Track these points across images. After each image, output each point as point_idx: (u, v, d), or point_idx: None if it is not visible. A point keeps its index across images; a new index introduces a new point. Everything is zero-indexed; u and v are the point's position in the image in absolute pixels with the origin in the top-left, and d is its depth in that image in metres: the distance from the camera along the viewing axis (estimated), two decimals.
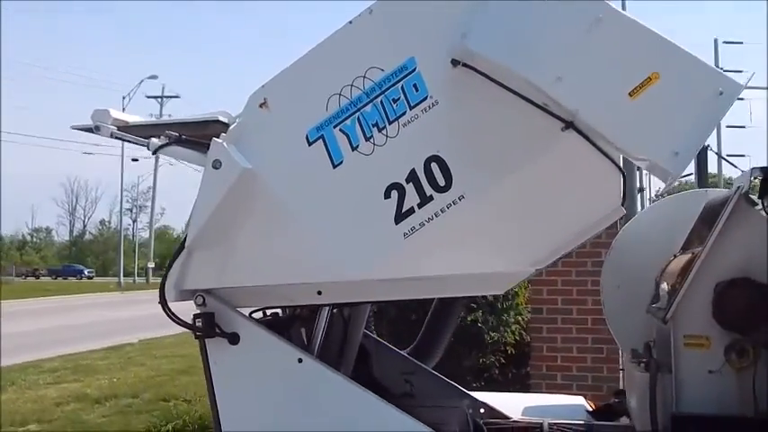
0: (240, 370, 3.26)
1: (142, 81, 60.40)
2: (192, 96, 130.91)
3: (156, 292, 3.24)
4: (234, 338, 3.22)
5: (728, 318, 3.36)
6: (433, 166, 2.96)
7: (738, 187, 3.50)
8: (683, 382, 3.42)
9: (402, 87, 2.99)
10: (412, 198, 2.97)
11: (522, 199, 3.00)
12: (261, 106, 3.14)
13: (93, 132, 3.63)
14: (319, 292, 3.24)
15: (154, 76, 61.52)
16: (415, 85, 2.98)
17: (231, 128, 3.22)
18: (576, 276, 6.49)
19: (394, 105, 3.00)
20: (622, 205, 3.16)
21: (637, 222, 4.51)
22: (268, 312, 3.65)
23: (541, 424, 3.82)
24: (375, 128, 3.01)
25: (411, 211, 2.96)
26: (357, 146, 3.02)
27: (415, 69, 2.98)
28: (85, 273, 73.71)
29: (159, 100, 62.15)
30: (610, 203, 3.10)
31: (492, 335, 7.76)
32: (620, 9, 2.85)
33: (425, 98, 2.97)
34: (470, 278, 3.13)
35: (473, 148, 2.98)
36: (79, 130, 3.82)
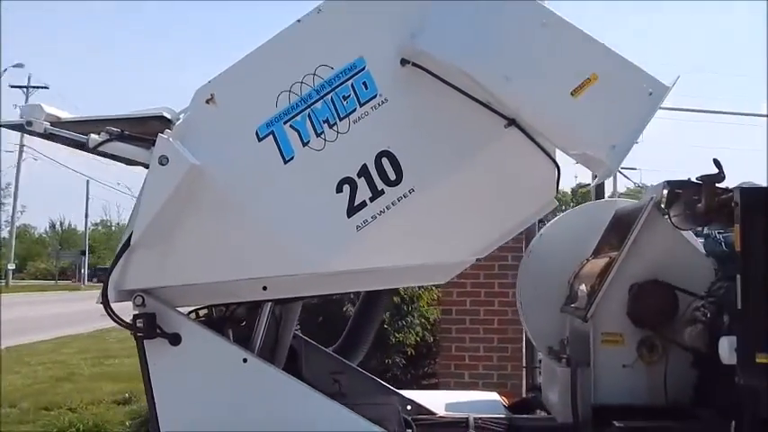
0: (182, 371, 3.23)
1: (6, 69, 56.01)
2: (64, 88, 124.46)
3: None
4: (175, 339, 3.19)
5: (641, 316, 3.70)
6: (384, 161, 3.07)
7: (651, 198, 3.82)
8: (600, 375, 3.72)
9: (352, 85, 3.08)
10: (364, 192, 3.06)
11: (468, 192, 3.17)
12: (208, 102, 3.13)
13: (22, 130, 3.49)
14: (265, 288, 3.26)
15: (19, 65, 57.03)
16: (364, 83, 3.08)
17: (177, 124, 3.19)
18: (485, 279, 6.76)
19: (344, 102, 3.08)
20: (555, 198, 3.40)
21: (552, 229, 4.77)
22: (200, 313, 3.64)
23: (467, 419, 3.97)
24: (326, 124, 3.08)
25: (363, 204, 3.06)
26: (308, 142, 3.09)
27: (364, 68, 3.08)
28: None
29: (25, 90, 57.86)
30: (546, 196, 3.33)
31: (397, 336, 7.93)
32: (562, 15, 3.07)
33: (375, 96, 3.08)
34: (418, 269, 3.27)
35: (422, 144, 3.11)
36: (7, 128, 3.66)
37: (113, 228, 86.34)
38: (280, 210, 3.12)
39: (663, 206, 3.87)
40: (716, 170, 3.54)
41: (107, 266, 3.70)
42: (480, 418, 4.00)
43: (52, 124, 3.33)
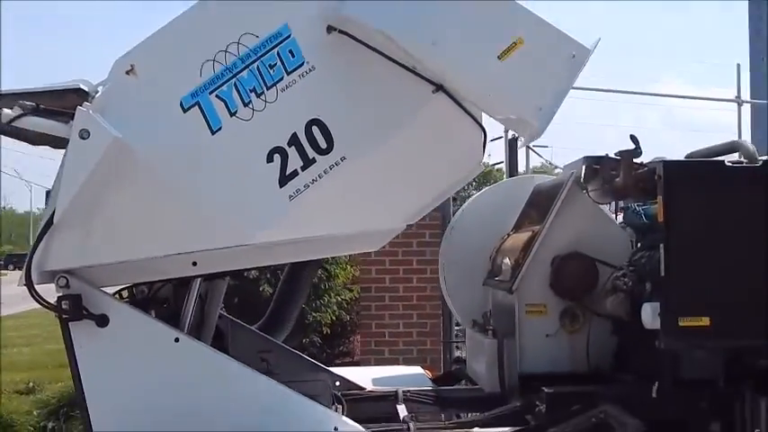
0: (111, 353, 3.13)
1: None
2: None
3: None
4: (103, 321, 3.08)
5: (563, 287, 3.84)
6: (315, 129, 3.03)
7: (572, 173, 3.97)
8: (525, 345, 3.86)
9: (278, 53, 3.03)
10: (295, 161, 3.02)
11: (398, 158, 3.17)
12: (128, 73, 3.02)
13: None
14: (195, 263, 3.18)
15: None
16: (290, 51, 3.03)
17: (97, 96, 3.07)
18: (403, 256, 6.88)
19: (271, 71, 3.03)
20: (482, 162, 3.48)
21: (472, 205, 4.89)
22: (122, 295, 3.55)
23: (396, 392, 4.05)
24: (253, 93, 3.02)
25: (295, 173, 3.01)
26: (235, 111, 3.02)
27: (289, 36, 3.03)
28: None
29: None
30: (474, 160, 3.40)
31: (314, 315, 7.99)
32: None
33: (302, 64, 3.03)
34: (351, 237, 3.29)
35: (352, 111, 3.10)
36: None
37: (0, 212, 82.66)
38: (209, 182, 3.04)
39: (582, 181, 4.02)
40: (633, 146, 3.70)
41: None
42: (409, 391, 4.10)
43: None
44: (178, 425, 3.06)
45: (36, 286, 3.06)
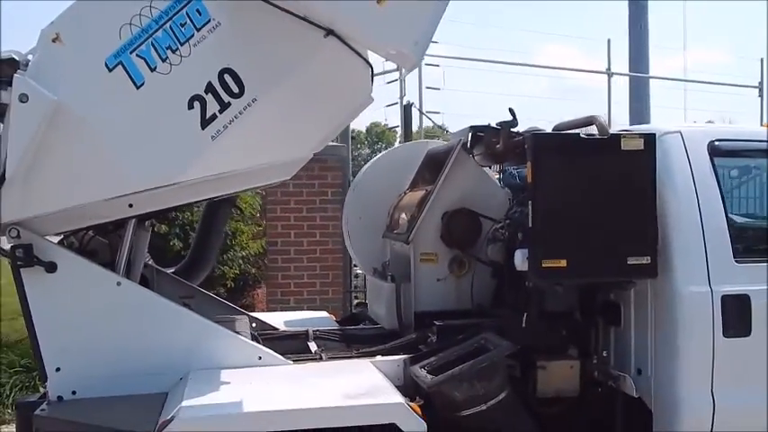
0: (59, 297, 3.49)
1: None
2: None
3: None
4: (51, 267, 3.45)
5: (452, 238, 4.43)
6: (227, 77, 3.42)
7: (460, 140, 4.57)
8: (419, 288, 4.44)
9: (186, 13, 3.40)
10: (213, 106, 3.41)
11: (300, 96, 3.59)
12: (54, 41, 3.34)
13: None
14: (131, 205, 3.55)
15: None
16: (197, 10, 3.40)
17: (30, 64, 3.37)
18: (307, 213, 7.35)
19: (182, 29, 3.40)
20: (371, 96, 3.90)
21: (373, 166, 5.41)
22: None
23: (306, 331, 4.57)
24: (169, 50, 3.39)
25: (214, 116, 3.41)
26: (155, 67, 3.38)
27: None
28: None
29: None
30: (364, 93, 3.81)
31: (221, 268, 8.36)
32: None
33: (209, 21, 3.41)
34: (266, 169, 3.71)
35: (257, 59, 3.49)
36: None
37: None
38: (139, 130, 3.41)
39: (468, 147, 4.62)
40: (510, 117, 4.33)
41: None
42: (318, 330, 4.59)
43: None
44: (121, 359, 3.48)
45: None
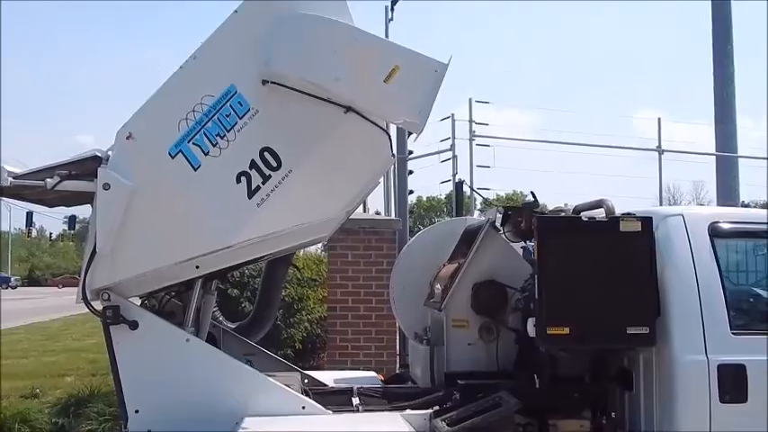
0: (139, 350, 4.17)
1: None
2: None
3: None
4: (134, 325, 4.15)
5: (480, 306, 4.93)
6: (266, 154, 4.15)
7: (488, 219, 5.11)
8: (451, 351, 4.93)
9: (231, 105, 4.15)
10: (256, 179, 4.13)
11: (329, 163, 4.24)
12: (128, 138, 4.13)
13: None
14: (197, 266, 4.23)
15: None
16: (239, 102, 4.15)
17: (110, 158, 4.13)
18: (364, 281, 7.98)
19: (227, 119, 4.15)
20: (393, 157, 4.53)
21: (417, 240, 6.00)
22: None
23: (351, 388, 5.09)
24: (218, 137, 4.13)
25: (258, 187, 4.12)
26: (208, 152, 4.12)
27: (236, 91, 4.15)
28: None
29: None
30: (385, 156, 4.44)
31: (288, 331, 9.01)
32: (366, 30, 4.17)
33: (249, 110, 4.15)
34: (306, 228, 4.30)
35: (290, 136, 4.18)
36: None
37: None
38: (198, 204, 4.13)
39: (499, 224, 5.15)
40: (533, 199, 4.86)
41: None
42: (362, 387, 5.11)
43: (14, 177, 4.15)
44: (189, 404, 4.09)
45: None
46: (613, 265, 4.03)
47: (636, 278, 4.01)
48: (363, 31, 4.14)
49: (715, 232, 4.25)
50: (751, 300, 4.42)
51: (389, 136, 4.41)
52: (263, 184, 4.13)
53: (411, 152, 10.92)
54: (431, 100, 4.12)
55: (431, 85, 4.10)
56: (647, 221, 4.05)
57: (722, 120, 11.68)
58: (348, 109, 4.15)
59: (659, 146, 12.66)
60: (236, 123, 4.12)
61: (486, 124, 13.52)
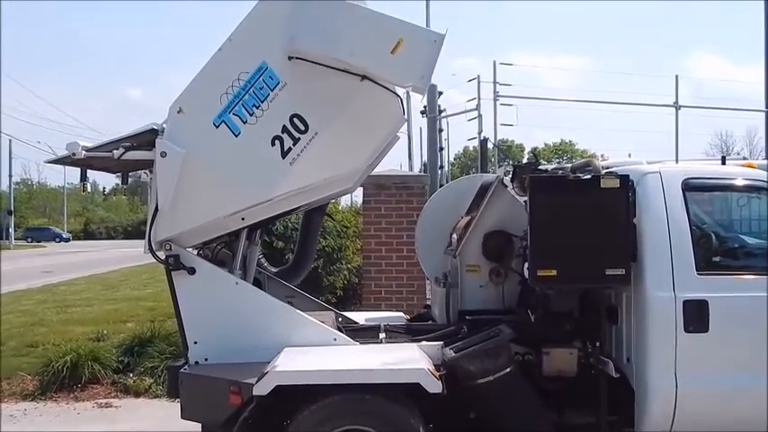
0: (197, 291, 4.94)
1: None
2: None
3: None
4: (192, 271, 4.92)
5: (490, 253, 5.61)
6: (295, 120, 4.81)
7: (498, 176, 5.78)
8: (464, 292, 5.64)
9: (263, 79, 4.79)
10: (288, 141, 4.80)
11: (349, 125, 4.89)
12: (178, 112, 4.82)
13: (67, 162, 5.08)
14: (243, 218, 4.96)
15: None
16: (270, 77, 4.80)
17: (164, 130, 4.81)
18: (396, 232, 8.72)
19: (261, 92, 4.80)
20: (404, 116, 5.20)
21: (439, 195, 6.70)
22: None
23: (379, 325, 5.85)
24: (254, 107, 4.79)
25: (290, 149, 4.80)
26: (246, 121, 4.79)
27: (267, 68, 4.79)
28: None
29: None
30: (397, 116, 5.12)
31: (328, 278, 9.83)
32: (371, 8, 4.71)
33: (279, 83, 4.80)
34: (335, 180, 5.01)
35: (315, 103, 4.82)
36: (55, 163, 5.35)
37: (34, 186, 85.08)
38: (241, 165, 4.81)
39: (509, 180, 5.77)
40: (534, 159, 5.50)
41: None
42: (388, 325, 5.86)
43: (87, 150, 4.84)
44: (238, 337, 4.85)
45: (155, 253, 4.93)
46: (595, 217, 4.62)
47: (614, 228, 4.62)
48: (372, 10, 4.78)
49: (688, 187, 4.84)
50: (715, 245, 5.01)
51: (400, 98, 5.07)
52: (294, 145, 4.81)
53: (443, 111, 11.51)
54: (431, 66, 4.72)
55: (430, 54, 4.70)
56: (624, 179, 4.66)
57: None
58: (363, 77, 4.78)
59: (676, 101, 13.00)
60: (268, 95, 4.79)
61: (510, 85, 14.02)
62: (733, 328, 4.70)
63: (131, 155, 4.91)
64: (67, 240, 65.48)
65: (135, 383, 8.11)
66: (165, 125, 4.84)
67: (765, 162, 5.42)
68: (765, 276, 4.75)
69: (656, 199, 4.79)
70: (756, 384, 4.63)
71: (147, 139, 4.84)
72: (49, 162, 5.59)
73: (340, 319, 6.09)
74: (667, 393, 4.65)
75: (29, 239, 64.71)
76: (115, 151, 4.86)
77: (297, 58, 4.73)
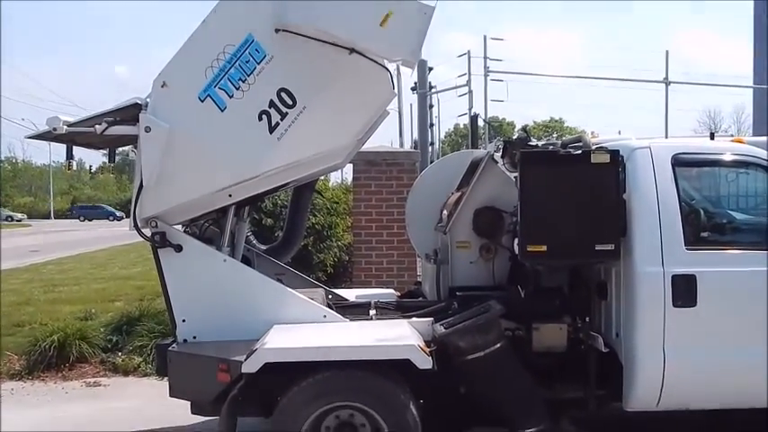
0: (184, 269, 4.89)
1: None
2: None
3: None
4: (178, 248, 4.87)
5: (480, 229, 5.60)
6: (283, 94, 4.72)
7: (488, 152, 5.74)
8: (455, 269, 5.62)
9: (249, 53, 4.70)
10: (275, 116, 4.71)
11: (338, 100, 4.81)
12: (162, 86, 4.71)
13: (48, 138, 4.97)
14: (230, 195, 4.89)
15: None
16: (256, 50, 4.70)
17: (148, 105, 4.72)
18: (386, 209, 8.67)
19: (247, 65, 4.71)
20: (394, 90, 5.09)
21: (429, 171, 6.65)
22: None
23: (369, 302, 5.83)
24: (240, 81, 4.70)
25: (277, 123, 4.72)
26: (232, 95, 4.70)
27: (253, 40, 4.70)
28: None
29: None
30: (387, 90, 5.01)
31: (319, 256, 9.79)
32: None
33: (265, 56, 4.71)
34: (323, 156, 4.95)
35: (302, 77, 4.73)
36: (35, 139, 5.23)
37: (19, 164, 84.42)
38: (227, 140, 4.73)
39: (500, 156, 5.75)
40: (525, 135, 5.46)
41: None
42: (378, 301, 5.83)
43: (68, 126, 4.78)
44: (227, 314, 4.83)
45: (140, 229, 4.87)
46: (585, 192, 4.60)
47: (604, 203, 4.59)
48: None
49: (677, 162, 4.82)
50: (704, 220, 4.99)
51: (390, 72, 4.98)
52: (282, 120, 4.72)
53: (433, 87, 11.45)
54: (421, 39, 4.65)
55: (420, 26, 4.62)
56: (614, 154, 4.64)
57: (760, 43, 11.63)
58: (351, 51, 4.69)
59: (666, 77, 12.97)
60: (254, 68, 4.70)
61: (500, 60, 13.94)
62: (720, 302, 4.71)
63: (114, 130, 4.83)
64: (120, 219, 62.90)
65: (124, 362, 8.08)
66: (148, 99, 4.75)
67: (758, 139, 5.37)
68: (752, 251, 4.76)
69: (646, 174, 4.78)
70: (743, 358, 4.65)
71: (130, 113, 4.76)
72: (30, 137, 5.50)
73: (330, 297, 6.07)
74: (655, 367, 4.66)
75: (81, 218, 63.70)
76: (98, 126, 4.78)
77: (284, 30, 4.65)
